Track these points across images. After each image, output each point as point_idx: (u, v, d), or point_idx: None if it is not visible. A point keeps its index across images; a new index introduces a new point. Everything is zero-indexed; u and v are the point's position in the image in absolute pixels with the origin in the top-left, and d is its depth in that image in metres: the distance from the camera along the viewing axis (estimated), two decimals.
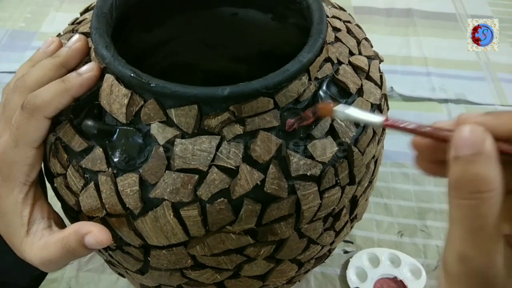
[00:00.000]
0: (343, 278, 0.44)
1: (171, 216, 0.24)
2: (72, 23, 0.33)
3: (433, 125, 0.19)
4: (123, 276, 0.34)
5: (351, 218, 0.31)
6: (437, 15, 0.76)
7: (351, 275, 0.43)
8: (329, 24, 0.30)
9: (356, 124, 0.27)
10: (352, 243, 0.48)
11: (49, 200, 0.29)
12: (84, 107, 0.26)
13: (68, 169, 0.26)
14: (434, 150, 0.20)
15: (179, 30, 0.43)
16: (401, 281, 0.43)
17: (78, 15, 0.33)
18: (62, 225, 0.28)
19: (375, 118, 0.21)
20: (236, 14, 0.42)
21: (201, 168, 0.23)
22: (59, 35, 0.33)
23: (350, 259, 0.44)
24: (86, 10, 0.33)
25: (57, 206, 0.29)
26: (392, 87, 0.63)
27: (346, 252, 0.47)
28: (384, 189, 0.52)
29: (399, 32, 0.73)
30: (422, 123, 0.19)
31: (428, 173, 0.21)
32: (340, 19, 0.32)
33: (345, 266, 0.45)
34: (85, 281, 0.45)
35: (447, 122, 0.19)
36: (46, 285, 0.44)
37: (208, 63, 0.48)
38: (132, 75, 0.24)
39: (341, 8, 0.34)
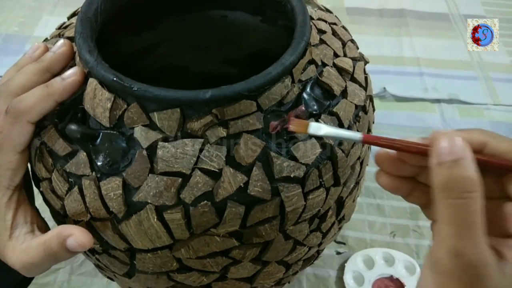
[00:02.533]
0: (339, 281, 0.44)
1: (155, 220, 0.24)
2: (59, 28, 0.33)
3: (405, 140, 0.20)
4: (112, 279, 0.34)
5: (338, 219, 0.31)
6: (430, 15, 0.76)
7: (349, 280, 0.43)
8: (313, 27, 0.30)
9: (340, 126, 0.27)
10: (344, 244, 0.48)
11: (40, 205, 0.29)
12: (69, 111, 0.26)
13: (53, 174, 0.26)
14: (396, 165, 0.22)
15: (169, 33, 0.43)
16: (397, 279, 0.43)
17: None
18: (45, 230, 0.28)
19: (353, 135, 0.21)
20: (226, 17, 0.42)
21: (184, 171, 0.24)
22: (46, 39, 0.33)
23: (346, 264, 0.45)
24: (73, 14, 0.33)
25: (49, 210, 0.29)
26: (384, 88, 0.63)
27: (338, 253, 0.47)
28: (376, 190, 0.52)
29: (392, 33, 0.73)
30: (397, 139, 0.21)
31: (387, 188, 0.23)
32: (325, 21, 0.32)
33: (340, 269, 0.45)
34: (77, 285, 0.45)
35: (416, 138, 0.21)
36: None
37: (199, 66, 0.48)
38: (114, 79, 0.24)
39: (328, 10, 0.34)
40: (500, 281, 0.18)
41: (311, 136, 0.26)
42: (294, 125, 0.23)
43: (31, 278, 0.30)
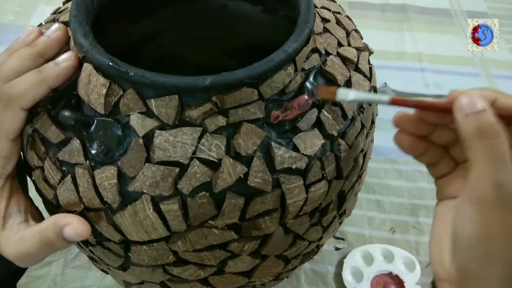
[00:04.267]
0: (338, 277, 0.44)
1: (151, 210, 0.23)
2: (54, 13, 0.32)
3: (431, 101, 0.23)
4: (106, 272, 0.33)
5: (340, 213, 0.30)
6: (432, 10, 0.75)
7: (347, 276, 0.43)
8: (317, 15, 0.29)
9: (344, 116, 0.26)
10: (343, 239, 0.47)
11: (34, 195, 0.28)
12: (62, 97, 0.25)
13: (45, 162, 0.25)
14: (415, 124, 0.25)
15: (168, 22, 0.42)
16: (396, 275, 0.43)
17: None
18: (40, 219, 0.27)
19: (381, 97, 0.23)
20: (226, 6, 0.41)
21: (182, 160, 0.23)
22: (40, 25, 0.32)
23: (344, 260, 0.44)
24: None
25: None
26: (385, 83, 0.62)
27: (337, 249, 0.46)
28: (376, 186, 0.52)
29: (394, 28, 0.72)
30: (422, 100, 0.23)
31: (406, 147, 0.25)
32: (329, 10, 0.31)
33: (339, 264, 0.44)
34: (71, 278, 0.44)
35: (440, 100, 0.23)
36: (31, 282, 0.43)
37: (199, 56, 0.47)
38: (110, 63, 0.23)
39: None
40: None
41: (313, 127, 0.25)
42: (321, 92, 0.24)
43: (25, 269, 0.30)
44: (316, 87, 0.24)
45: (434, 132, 0.25)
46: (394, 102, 0.23)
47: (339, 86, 0.26)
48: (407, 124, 0.25)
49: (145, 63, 0.43)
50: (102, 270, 0.33)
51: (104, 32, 0.32)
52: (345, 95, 0.23)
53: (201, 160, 0.23)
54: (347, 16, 0.32)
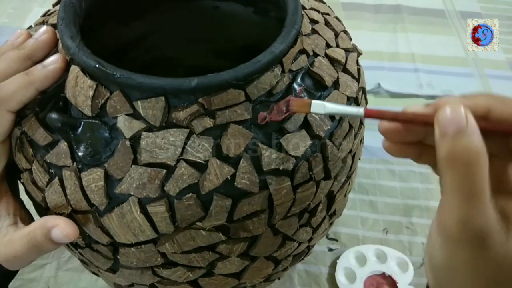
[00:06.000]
0: (331, 278, 0.44)
1: (138, 212, 0.23)
2: (44, 15, 0.32)
3: (408, 110, 0.20)
4: (97, 275, 0.33)
5: (329, 214, 0.30)
6: (425, 11, 0.76)
7: (340, 277, 0.43)
8: (305, 16, 0.29)
9: (332, 117, 0.26)
10: (336, 240, 0.47)
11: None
12: (50, 100, 0.25)
13: (33, 164, 0.25)
14: (401, 133, 0.22)
15: (160, 24, 0.42)
16: (389, 276, 0.43)
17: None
18: (29, 222, 0.27)
19: (355, 110, 0.21)
20: (217, 8, 0.41)
21: (168, 162, 0.23)
22: (30, 27, 0.32)
23: (338, 260, 0.44)
24: (58, 1, 0.32)
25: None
26: (379, 84, 0.62)
27: (330, 249, 0.46)
28: (369, 186, 0.52)
29: (387, 29, 0.73)
30: (400, 112, 0.20)
31: (396, 155, 0.23)
32: (318, 11, 0.31)
33: (332, 265, 0.44)
34: (64, 280, 0.44)
35: (420, 107, 0.21)
36: (24, 285, 0.43)
37: (191, 58, 0.47)
38: (96, 65, 0.23)
39: (321, 1, 0.34)
40: (506, 247, 0.18)
41: (301, 128, 0.25)
42: (295, 105, 0.22)
43: (16, 271, 0.30)
44: (288, 101, 0.22)
45: (427, 136, 0.22)
46: (369, 115, 0.20)
47: (312, 98, 0.25)
48: (393, 134, 0.22)
49: (137, 66, 0.43)
50: (93, 273, 0.33)
51: (95, 34, 0.32)
52: (319, 107, 0.22)
53: (188, 161, 0.23)
54: (336, 17, 0.33)
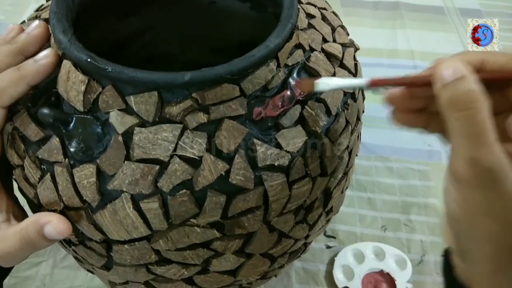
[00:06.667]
0: (328, 275, 0.43)
1: (131, 209, 0.23)
2: (37, 10, 0.32)
3: (410, 75, 0.22)
4: (92, 272, 0.33)
5: (326, 211, 0.30)
6: (424, 8, 0.75)
7: (338, 274, 0.42)
8: (302, 10, 0.29)
9: (328, 113, 0.26)
10: (334, 238, 0.47)
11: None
12: (42, 95, 0.25)
13: (25, 160, 0.25)
14: (408, 100, 0.23)
15: (156, 19, 0.42)
16: (388, 273, 0.42)
17: None
18: (22, 219, 0.27)
19: (359, 81, 0.22)
20: (214, 3, 0.41)
21: (162, 158, 0.22)
22: (23, 22, 0.31)
23: (335, 258, 0.44)
24: None
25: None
26: None
27: (328, 247, 0.46)
28: (368, 183, 0.51)
29: (386, 25, 0.72)
30: (403, 76, 0.22)
31: (404, 125, 0.24)
32: (315, 6, 0.31)
33: (330, 263, 0.44)
34: (60, 278, 0.43)
35: (422, 72, 0.22)
36: (19, 283, 0.43)
37: (188, 54, 0.46)
38: (88, 60, 0.22)
39: None
40: None
41: (296, 124, 0.25)
42: (302, 86, 0.23)
43: (10, 269, 0.29)
44: (296, 81, 0.23)
45: (431, 102, 0.23)
46: (374, 83, 0.22)
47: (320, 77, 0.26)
48: (399, 100, 0.23)
49: (133, 62, 0.43)
50: (88, 270, 0.32)
51: (91, 30, 0.31)
52: (324, 85, 0.23)
53: (182, 157, 0.23)
54: (334, 12, 0.32)
